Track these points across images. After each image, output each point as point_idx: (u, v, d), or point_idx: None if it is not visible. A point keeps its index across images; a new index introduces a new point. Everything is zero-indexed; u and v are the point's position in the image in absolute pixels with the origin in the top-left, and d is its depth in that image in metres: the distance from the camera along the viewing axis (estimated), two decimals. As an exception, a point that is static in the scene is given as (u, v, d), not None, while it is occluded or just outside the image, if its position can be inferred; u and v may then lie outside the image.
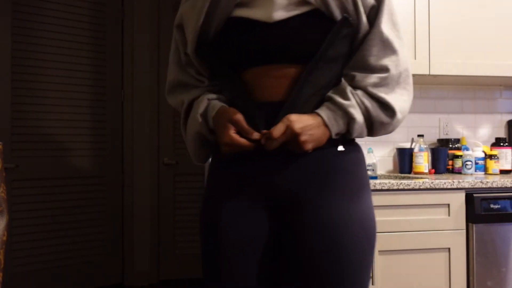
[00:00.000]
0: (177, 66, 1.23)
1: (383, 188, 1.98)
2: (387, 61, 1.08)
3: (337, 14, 1.05)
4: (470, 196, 2.05)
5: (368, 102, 1.07)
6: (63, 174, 3.19)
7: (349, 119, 1.06)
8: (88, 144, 3.32)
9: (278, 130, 1.01)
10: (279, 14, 1.06)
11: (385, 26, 1.08)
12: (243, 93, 1.09)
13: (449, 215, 2.05)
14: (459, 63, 2.38)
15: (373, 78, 1.07)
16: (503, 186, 2.09)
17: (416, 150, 2.51)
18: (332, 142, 1.08)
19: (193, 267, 3.54)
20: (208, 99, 1.13)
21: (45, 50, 3.10)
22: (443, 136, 2.72)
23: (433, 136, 2.71)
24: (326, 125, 1.05)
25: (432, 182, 2.03)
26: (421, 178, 2.23)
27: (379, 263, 1.99)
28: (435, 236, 2.03)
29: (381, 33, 1.08)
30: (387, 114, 1.08)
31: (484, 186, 2.07)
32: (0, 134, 2.88)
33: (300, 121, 1.02)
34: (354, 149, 1.14)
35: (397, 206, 2.02)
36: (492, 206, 2.05)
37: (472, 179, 2.14)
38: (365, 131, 1.10)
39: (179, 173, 3.63)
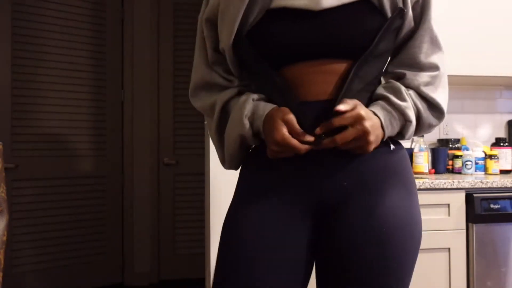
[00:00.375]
0: (203, 65, 1.12)
1: (383, 188, 1.98)
2: (436, 59, 1.06)
3: (387, 5, 0.99)
4: (470, 196, 2.05)
5: (419, 104, 1.04)
6: (63, 174, 3.19)
7: (406, 121, 1.02)
8: (88, 144, 3.32)
9: (344, 120, 0.94)
10: (329, 1, 0.97)
11: (433, 22, 1.05)
12: (286, 92, 1.00)
13: (449, 215, 2.05)
14: (459, 63, 2.38)
15: (425, 77, 1.05)
16: (503, 186, 2.09)
17: (416, 150, 2.51)
18: (383, 141, 1.04)
19: (193, 267, 3.54)
20: (254, 99, 1.04)
21: (45, 50, 3.10)
22: (443, 136, 2.72)
23: (433, 136, 2.71)
24: (382, 127, 0.99)
25: (432, 182, 2.03)
26: (421, 178, 2.23)
27: (379, 263, 1.99)
28: (435, 236, 2.03)
29: (431, 30, 1.05)
30: (436, 115, 1.06)
31: (484, 186, 2.07)
32: (0, 134, 2.88)
33: (370, 118, 0.96)
34: (400, 147, 1.09)
35: (397, 206, 2.02)
36: (492, 206, 2.05)
37: (472, 179, 2.14)
38: (413, 133, 1.06)
39: (179, 173, 3.63)
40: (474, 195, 2.05)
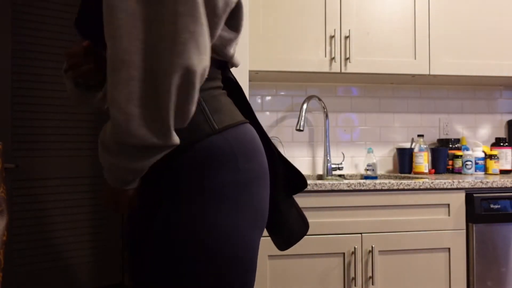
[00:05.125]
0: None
1: (383, 188, 1.98)
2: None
3: None
4: (470, 196, 2.05)
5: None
6: (63, 174, 3.19)
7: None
8: (88, 144, 3.32)
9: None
10: None
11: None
12: None
13: (449, 215, 2.05)
14: (459, 63, 2.38)
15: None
16: (503, 186, 2.09)
17: (416, 150, 2.51)
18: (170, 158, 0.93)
19: (193, 267, 3.54)
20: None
21: (45, 50, 3.10)
22: (443, 136, 2.72)
23: (433, 136, 2.71)
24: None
25: (432, 182, 2.03)
26: (421, 178, 2.23)
27: (379, 263, 1.99)
28: (435, 236, 2.03)
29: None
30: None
31: (484, 186, 2.07)
32: (0, 134, 2.88)
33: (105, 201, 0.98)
34: (187, 149, 0.92)
35: (397, 206, 2.02)
36: (492, 206, 2.05)
37: (472, 179, 2.14)
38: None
39: (179, 173, 3.63)
40: (474, 195, 2.05)
